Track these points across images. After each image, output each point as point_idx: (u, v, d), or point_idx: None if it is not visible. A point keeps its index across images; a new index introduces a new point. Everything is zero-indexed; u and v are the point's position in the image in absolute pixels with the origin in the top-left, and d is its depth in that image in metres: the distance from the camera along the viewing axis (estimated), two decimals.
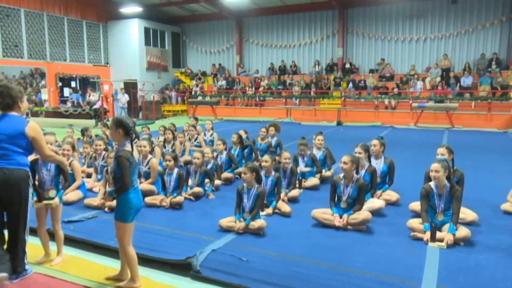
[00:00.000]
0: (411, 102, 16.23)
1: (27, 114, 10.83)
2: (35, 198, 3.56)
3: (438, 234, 3.90)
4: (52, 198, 3.66)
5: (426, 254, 3.67)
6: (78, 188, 5.52)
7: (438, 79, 17.06)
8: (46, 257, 3.74)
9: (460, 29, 17.82)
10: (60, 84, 19.52)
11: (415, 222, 4.15)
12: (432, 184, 4.12)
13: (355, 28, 19.81)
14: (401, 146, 10.12)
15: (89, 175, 6.53)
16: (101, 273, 3.48)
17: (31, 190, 3.31)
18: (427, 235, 3.91)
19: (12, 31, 17.35)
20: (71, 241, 4.17)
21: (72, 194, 5.34)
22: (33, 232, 3.79)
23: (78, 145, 7.98)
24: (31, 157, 3.56)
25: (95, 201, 5.07)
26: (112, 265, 3.62)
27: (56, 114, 16.08)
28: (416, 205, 4.64)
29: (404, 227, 4.21)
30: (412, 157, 8.70)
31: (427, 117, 15.63)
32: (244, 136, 7.79)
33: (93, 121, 14.43)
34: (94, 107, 17.05)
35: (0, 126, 3.20)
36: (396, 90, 17.29)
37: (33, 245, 3.77)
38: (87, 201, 5.20)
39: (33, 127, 3.29)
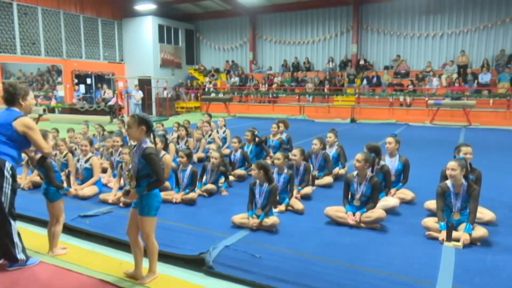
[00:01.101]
0: (426, 99, 16.00)
1: (44, 111, 11.02)
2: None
3: (454, 234, 3.85)
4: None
5: (442, 253, 3.62)
6: (95, 183, 5.61)
7: (455, 75, 16.76)
8: (54, 249, 3.81)
9: (479, 24, 17.45)
10: (76, 81, 19.80)
11: (430, 221, 4.09)
12: (448, 182, 4.05)
13: (370, 24, 19.58)
14: (416, 144, 9.98)
15: (104, 171, 6.62)
16: (116, 267, 3.53)
17: (5, 179, 3.36)
18: (442, 235, 3.86)
19: (29, 29, 17.66)
20: (87, 235, 4.25)
21: (88, 189, 5.45)
22: (41, 223, 3.89)
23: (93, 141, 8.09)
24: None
25: (111, 198, 5.12)
26: (128, 260, 3.67)
27: (72, 110, 16.34)
28: (431, 204, 4.58)
29: (419, 226, 4.15)
30: (428, 155, 8.58)
31: (443, 114, 15.38)
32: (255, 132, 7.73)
33: (108, 118, 14.62)
34: (109, 103, 17.27)
35: None
36: (411, 87, 17.06)
37: (45, 237, 3.84)
38: (102, 196, 5.28)
39: (22, 121, 3.43)
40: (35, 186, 5.78)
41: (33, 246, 3.92)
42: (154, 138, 3.20)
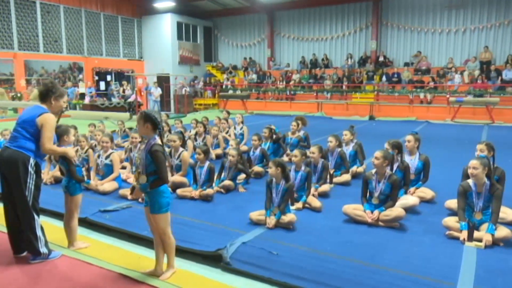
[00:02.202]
0: (448, 96, 15.66)
1: (66, 107, 11.26)
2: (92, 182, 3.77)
3: (476, 234, 3.76)
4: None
5: (463, 254, 3.55)
6: (114, 179, 5.71)
7: (477, 72, 16.35)
8: (73, 243, 3.88)
9: (504, 19, 16.94)
10: (96, 78, 20.15)
11: (451, 221, 4.01)
12: (470, 181, 3.96)
13: (389, 20, 19.26)
14: (437, 142, 9.79)
15: (123, 167, 6.72)
16: (135, 261, 3.58)
17: (27, 173, 3.44)
18: (463, 234, 3.78)
19: (52, 27, 18.04)
20: (107, 229, 4.33)
21: (108, 185, 5.54)
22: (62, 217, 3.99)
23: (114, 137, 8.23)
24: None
25: (129, 194, 5.19)
26: (146, 254, 3.73)
27: (92, 107, 16.66)
28: (452, 203, 4.49)
29: (439, 225, 4.08)
30: (449, 153, 8.41)
31: (465, 112, 15.04)
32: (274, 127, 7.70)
33: (127, 114, 14.83)
34: (129, 100, 17.53)
35: (25, 112, 3.62)
36: (432, 83, 16.72)
37: (62, 229, 3.93)
38: (122, 191, 5.36)
39: (44, 117, 3.51)
40: (56, 181, 5.91)
41: (54, 240, 4.01)
42: (161, 135, 3.20)
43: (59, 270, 3.47)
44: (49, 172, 6.09)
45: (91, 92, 18.86)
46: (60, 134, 3.79)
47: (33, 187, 3.50)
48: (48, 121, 3.52)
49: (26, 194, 3.46)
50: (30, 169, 3.47)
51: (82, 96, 18.82)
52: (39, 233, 3.55)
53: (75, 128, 7.74)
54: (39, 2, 17.35)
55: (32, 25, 17.25)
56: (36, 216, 3.54)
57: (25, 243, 3.57)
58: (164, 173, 3.11)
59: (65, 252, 3.77)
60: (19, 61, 16.98)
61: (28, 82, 17.80)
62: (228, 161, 5.70)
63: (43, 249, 3.57)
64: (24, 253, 3.67)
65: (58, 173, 5.89)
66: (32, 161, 3.49)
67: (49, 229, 4.37)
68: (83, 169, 4.27)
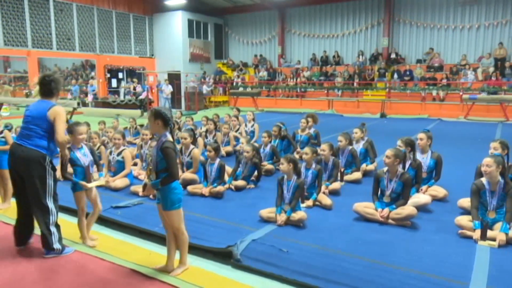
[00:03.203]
0: (461, 93, 15.43)
1: (78, 104, 11.38)
2: (82, 182, 3.80)
3: (489, 233, 3.71)
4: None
5: (476, 253, 3.50)
6: (126, 175, 5.76)
7: (492, 69, 16.08)
8: (84, 239, 3.93)
9: None
10: (108, 75, 20.33)
11: (463, 219, 3.96)
12: (484, 180, 3.91)
13: (402, 16, 19.04)
14: (450, 140, 9.66)
15: (134, 163, 6.78)
16: (146, 257, 3.62)
17: (45, 171, 3.54)
18: (477, 233, 3.73)
19: (65, 25, 18.24)
20: (118, 225, 4.38)
21: (120, 181, 5.59)
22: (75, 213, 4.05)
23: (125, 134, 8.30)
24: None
25: (141, 190, 5.23)
26: (157, 250, 3.76)
27: (104, 104, 16.82)
28: (465, 202, 4.43)
29: (452, 224, 4.03)
30: (462, 151, 8.30)
31: (479, 109, 14.80)
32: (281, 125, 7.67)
33: (139, 111, 14.93)
34: (140, 97, 17.65)
35: (32, 109, 3.63)
36: (445, 81, 16.50)
37: (75, 225, 3.99)
38: (133, 188, 5.41)
39: (55, 109, 3.56)
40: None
41: (67, 235, 4.07)
42: (172, 132, 3.21)
43: (72, 264, 3.53)
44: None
45: (93, 90, 18.96)
46: (72, 131, 3.82)
47: (52, 182, 3.60)
48: (60, 113, 3.57)
49: (45, 190, 3.54)
50: (47, 167, 3.55)
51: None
52: (53, 229, 3.62)
53: (88, 125, 7.84)
54: (52, 0, 17.55)
55: (46, 23, 17.45)
56: (54, 211, 3.62)
57: (39, 237, 3.65)
58: (175, 170, 3.12)
59: (78, 248, 3.82)
60: (33, 58, 17.21)
61: None
62: (244, 157, 5.70)
63: (56, 245, 3.63)
64: (31, 239, 3.80)
65: (71, 169, 5.97)
66: (48, 159, 3.57)
67: (62, 224, 4.44)
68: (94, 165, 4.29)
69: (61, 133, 3.54)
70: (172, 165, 3.10)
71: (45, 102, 3.63)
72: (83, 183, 3.79)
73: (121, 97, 18.43)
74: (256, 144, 6.96)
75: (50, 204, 3.59)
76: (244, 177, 5.69)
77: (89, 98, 18.03)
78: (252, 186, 5.67)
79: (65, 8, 18.15)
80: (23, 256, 3.65)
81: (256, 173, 5.78)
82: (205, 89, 21.27)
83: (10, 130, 5.29)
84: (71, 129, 3.80)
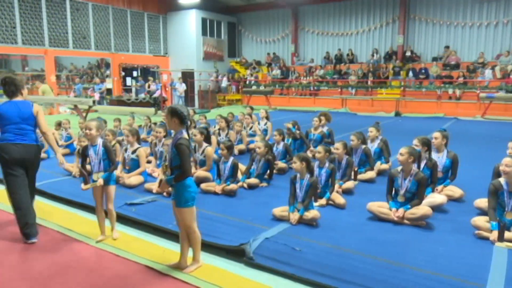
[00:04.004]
0: (478, 92, 15.14)
1: (93, 102, 11.52)
2: (82, 183, 3.89)
3: (507, 234, 3.64)
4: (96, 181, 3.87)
5: (493, 254, 3.44)
6: (140, 173, 5.81)
7: (510, 67, 15.73)
8: (102, 236, 3.98)
9: None
10: (123, 73, 20.55)
11: (480, 220, 3.89)
12: (502, 180, 3.83)
13: (417, 13, 18.76)
14: (466, 139, 9.50)
15: (148, 161, 6.84)
16: (160, 254, 3.65)
17: (39, 159, 4.20)
18: (494, 235, 3.66)
19: (80, 24, 18.49)
20: (133, 222, 4.43)
21: (134, 178, 5.65)
22: (91, 210, 4.14)
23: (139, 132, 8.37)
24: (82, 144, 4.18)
25: (155, 188, 5.27)
26: (170, 247, 3.80)
27: (119, 102, 17.02)
28: (482, 202, 4.35)
29: (468, 224, 3.96)
30: (479, 151, 8.15)
31: (496, 108, 14.51)
32: (291, 126, 7.63)
33: (152, 109, 15.07)
34: (154, 96, 17.81)
35: (14, 110, 3.99)
36: (461, 79, 16.22)
37: (95, 223, 4.04)
38: (147, 185, 5.46)
39: (37, 106, 4.15)
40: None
41: (82, 231, 4.14)
42: (187, 130, 3.24)
43: (87, 261, 3.58)
44: (78, 165, 6.25)
45: (100, 89, 19.13)
46: (94, 127, 3.87)
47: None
48: (41, 108, 4.20)
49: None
50: (41, 155, 4.31)
51: (109, 91, 19.22)
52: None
53: (105, 122, 7.94)
54: (68, 0, 17.80)
55: (62, 22, 17.72)
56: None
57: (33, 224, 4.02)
58: (187, 166, 3.15)
59: (93, 244, 3.88)
60: (50, 57, 17.51)
61: (58, 77, 18.33)
62: (257, 154, 5.71)
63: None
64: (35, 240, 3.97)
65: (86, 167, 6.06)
66: (41, 148, 4.29)
67: (77, 220, 4.54)
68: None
69: (45, 124, 4.17)
70: (185, 161, 3.13)
71: (23, 102, 4.08)
72: (82, 185, 3.87)
73: (134, 96, 18.63)
74: (269, 143, 6.93)
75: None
76: (258, 175, 5.69)
77: (96, 96, 18.23)
78: (265, 184, 5.68)
79: (81, 7, 18.39)
80: (38, 254, 3.72)
81: (268, 171, 5.78)
82: (224, 82, 21.37)
83: None
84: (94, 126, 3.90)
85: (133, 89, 20.02)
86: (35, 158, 4.09)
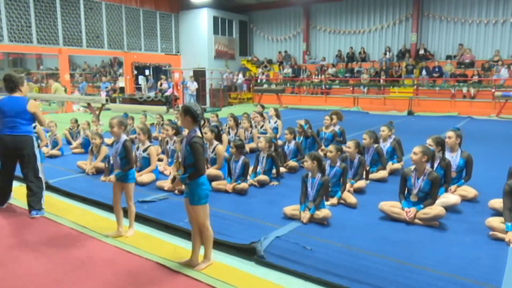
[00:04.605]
0: (493, 90, 14.90)
1: (106, 100, 11.66)
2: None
3: None
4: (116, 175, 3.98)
5: (508, 256, 3.38)
6: (152, 171, 5.86)
7: None
8: (118, 232, 4.03)
9: None
10: (135, 72, 20.73)
11: (495, 221, 3.83)
12: None
13: (431, 11, 18.51)
14: (481, 138, 9.35)
15: (160, 159, 6.88)
16: (170, 251, 3.68)
17: (35, 148, 4.61)
18: (509, 236, 3.60)
19: (94, 23, 18.70)
20: (145, 219, 4.47)
21: (146, 176, 5.70)
22: (110, 208, 4.14)
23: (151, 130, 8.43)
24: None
25: (166, 185, 5.31)
26: (182, 245, 3.82)
27: (131, 100, 17.18)
28: (496, 203, 4.28)
29: (482, 225, 3.90)
30: (493, 151, 8.02)
31: None
32: (303, 124, 7.60)
33: (164, 108, 15.18)
34: (165, 94, 17.92)
35: (9, 105, 4.48)
36: (476, 77, 15.95)
37: (108, 220, 4.09)
38: (159, 183, 5.50)
39: (32, 104, 4.57)
40: (98, 171, 6.14)
41: (96, 228, 4.19)
42: (200, 128, 3.25)
43: (100, 257, 3.62)
44: (91, 163, 6.34)
45: (106, 87, 19.24)
46: (115, 124, 3.93)
47: (39, 156, 4.67)
48: (37, 105, 4.67)
49: (35, 164, 4.58)
50: (35, 144, 4.62)
51: (122, 89, 19.39)
52: (44, 193, 4.67)
53: (132, 118, 8.06)
54: (82, 0, 18.01)
55: (76, 21, 17.93)
56: (43, 180, 4.73)
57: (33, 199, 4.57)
58: (201, 164, 3.17)
59: (106, 240, 3.92)
60: (64, 56, 17.75)
61: (72, 76, 18.58)
62: (260, 151, 5.71)
63: (42, 206, 4.60)
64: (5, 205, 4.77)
65: (99, 164, 6.14)
66: (35, 139, 4.63)
67: (91, 217, 4.59)
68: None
69: (44, 120, 4.79)
70: (199, 159, 3.15)
71: (18, 98, 4.52)
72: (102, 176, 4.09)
73: (145, 94, 18.76)
74: (280, 141, 6.94)
75: (41, 175, 4.67)
76: (264, 171, 5.68)
77: (102, 95, 18.41)
78: (276, 183, 5.67)
79: (95, 6, 18.59)
80: (52, 250, 3.78)
81: (274, 169, 5.76)
82: (240, 78, 21.44)
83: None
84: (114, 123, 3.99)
85: (143, 88, 20.16)
86: (25, 146, 4.52)
